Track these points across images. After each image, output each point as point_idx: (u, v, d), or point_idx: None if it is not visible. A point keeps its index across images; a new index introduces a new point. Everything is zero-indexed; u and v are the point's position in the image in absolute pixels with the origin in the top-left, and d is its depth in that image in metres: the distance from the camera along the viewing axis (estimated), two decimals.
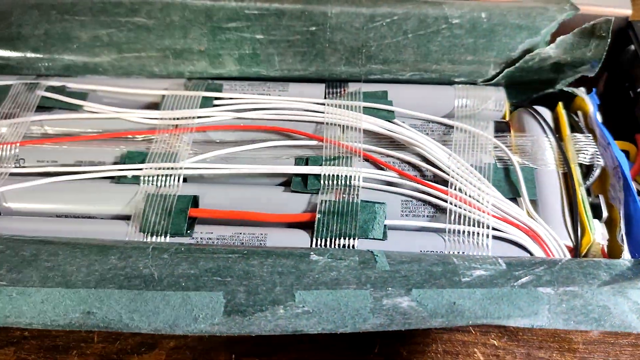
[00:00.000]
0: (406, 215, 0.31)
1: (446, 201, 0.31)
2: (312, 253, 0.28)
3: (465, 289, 0.26)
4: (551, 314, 0.25)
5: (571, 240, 0.30)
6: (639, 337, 0.32)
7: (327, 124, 0.34)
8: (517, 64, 0.35)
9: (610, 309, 0.25)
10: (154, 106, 0.36)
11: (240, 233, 0.31)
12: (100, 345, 0.32)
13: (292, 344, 0.32)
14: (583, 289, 0.26)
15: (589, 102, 0.35)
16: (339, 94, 0.36)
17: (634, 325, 0.25)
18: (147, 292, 0.26)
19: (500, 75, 0.36)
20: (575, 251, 0.30)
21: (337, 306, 0.26)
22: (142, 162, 0.33)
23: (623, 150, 0.35)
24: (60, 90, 0.37)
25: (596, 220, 0.31)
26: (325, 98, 0.36)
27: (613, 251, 0.30)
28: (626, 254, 0.29)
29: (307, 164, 0.33)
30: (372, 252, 0.28)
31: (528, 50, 0.35)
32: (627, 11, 0.38)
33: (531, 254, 0.30)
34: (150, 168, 0.33)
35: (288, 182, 0.33)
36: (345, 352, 0.32)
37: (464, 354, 0.32)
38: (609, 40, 0.34)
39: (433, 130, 0.35)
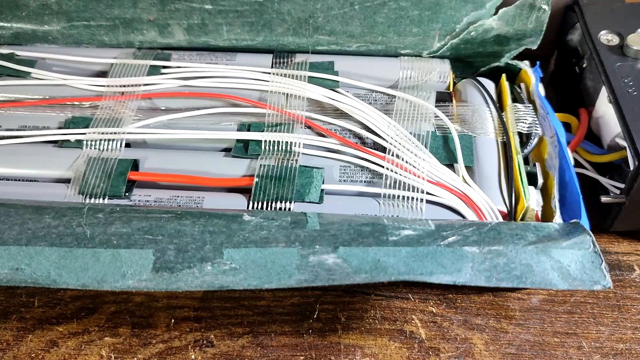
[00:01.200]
0: (344, 180, 0.32)
1: (383, 167, 0.31)
2: (245, 214, 0.28)
3: (391, 247, 0.26)
4: (474, 271, 0.25)
5: (506, 205, 0.31)
6: (575, 305, 0.33)
7: (271, 92, 0.35)
8: (460, 36, 0.35)
9: (532, 267, 0.26)
10: (103, 75, 0.37)
11: (178, 196, 0.31)
12: (39, 310, 0.33)
13: (232, 309, 0.32)
14: (508, 248, 0.26)
15: (531, 74, 0.35)
16: (285, 64, 0.36)
17: (554, 282, 0.25)
18: (77, 249, 0.27)
19: (445, 47, 0.36)
20: (509, 216, 0.31)
21: (264, 263, 0.26)
22: (87, 127, 0.33)
23: (565, 123, 0.36)
24: (9, 57, 0.37)
25: (532, 187, 0.31)
26: (271, 68, 0.36)
27: (546, 217, 0.31)
28: (558, 219, 0.30)
29: (249, 130, 0.33)
30: (305, 213, 0.28)
31: (473, 23, 0.35)
32: None
33: (465, 218, 0.30)
34: (94, 132, 0.33)
35: (231, 149, 0.33)
36: (285, 318, 0.32)
37: (402, 320, 0.32)
38: (548, 12, 0.34)
39: (376, 100, 0.35)
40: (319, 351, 0.31)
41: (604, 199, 0.33)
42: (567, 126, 0.36)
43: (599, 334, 0.32)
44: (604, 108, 0.35)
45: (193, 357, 0.31)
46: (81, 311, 0.33)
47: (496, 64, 0.37)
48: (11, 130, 0.34)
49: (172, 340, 0.31)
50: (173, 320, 0.32)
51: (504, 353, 0.31)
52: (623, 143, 0.33)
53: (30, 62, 0.37)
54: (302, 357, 0.31)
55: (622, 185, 0.32)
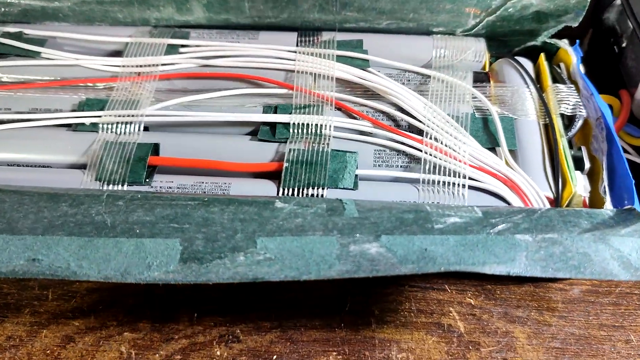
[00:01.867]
0: (379, 165, 0.30)
1: (421, 151, 0.29)
2: (277, 200, 0.26)
3: (438, 236, 0.24)
4: (528, 260, 0.24)
5: (552, 191, 0.29)
6: (620, 296, 0.31)
7: (298, 72, 0.32)
8: (497, 13, 0.33)
9: (590, 256, 0.24)
10: (118, 54, 0.34)
11: (202, 182, 0.29)
12: (54, 304, 0.31)
13: (259, 303, 0.31)
14: (562, 236, 0.24)
15: (572, 54, 0.33)
16: (311, 43, 0.34)
17: (615, 272, 0.24)
18: (98, 239, 0.25)
19: (480, 25, 0.34)
20: (555, 203, 0.29)
21: (302, 252, 0.24)
22: (102, 109, 0.31)
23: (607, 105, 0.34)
24: (18, 36, 0.35)
25: (578, 172, 0.29)
26: (297, 46, 0.34)
27: (595, 203, 0.29)
28: (608, 206, 0.28)
29: (275, 113, 0.31)
30: (340, 200, 0.26)
31: None
32: None
33: (510, 204, 0.28)
34: (110, 115, 0.31)
35: (256, 132, 0.31)
36: (315, 310, 0.30)
37: (439, 313, 0.31)
38: None
39: (409, 80, 0.33)
40: (352, 346, 0.29)
41: None
42: (609, 108, 0.34)
43: None
44: None
45: (218, 353, 0.29)
46: (98, 304, 0.31)
47: (533, 42, 0.35)
48: (22, 113, 0.31)
49: (195, 335, 0.30)
50: (196, 314, 0.30)
51: (548, 347, 0.29)
52: None
53: (40, 42, 0.35)
54: (334, 353, 0.29)
55: None
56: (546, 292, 0.31)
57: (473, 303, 0.31)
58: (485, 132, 0.30)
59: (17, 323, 0.30)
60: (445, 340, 0.30)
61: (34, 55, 0.34)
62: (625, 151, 0.34)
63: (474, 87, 0.32)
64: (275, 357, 0.29)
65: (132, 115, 0.31)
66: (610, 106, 0.35)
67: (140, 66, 0.33)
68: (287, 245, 0.24)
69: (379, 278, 0.31)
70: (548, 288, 0.31)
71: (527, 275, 0.23)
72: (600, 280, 0.32)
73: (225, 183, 0.29)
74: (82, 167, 0.30)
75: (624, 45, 0.36)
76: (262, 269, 0.24)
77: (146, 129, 0.31)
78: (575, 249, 0.24)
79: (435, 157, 0.29)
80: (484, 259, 0.24)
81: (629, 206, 0.27)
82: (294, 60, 0.33)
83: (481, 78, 0.33)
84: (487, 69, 0.34)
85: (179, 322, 0.30)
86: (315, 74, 0.32)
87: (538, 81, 0.33)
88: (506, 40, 0.35)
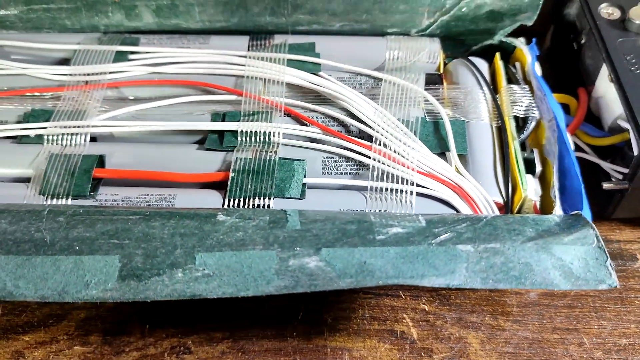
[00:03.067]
0: (328, 173, 0.29)
1: (369, 157, 0.29)
2: (219, 213, 0.26)
3: (379, 248, 0.24)
4: (469, 272, 0.23)
5: (502, 196, 0.28)
6: (575, 298, 0.31)
7: (247, 77, 0.32)
8: (451, 12, 0.33)
9: (532, 266, 0.24)
10: (66, 63, 0.34)
11: (148, 194, 0.28)
12: (4, 319, 0.30)
13: (211, 313, 0.30)
14: (505, 245, 0.24)
15: (527, 53, 0.33)
16: (263, 47, 0.34)
17: (556, 282, 0.23)
18: (36, 257, 0.24)
19: (435, 25, 0.34)
20: (506, 208, 0.28)
21: (240, 268, 0.24)
22: (47, 120, 0.31)
23: (563, 104, 0.33)
24: None
25: (529, 176, 0.29)
26: (248, 51, 0.33)
27: (546, 207, 0.29)
28: (558, 210, 0.28)
29: (224, 120, 0.31)
30: (284, 211, 0.26)
31: None
32: None
33: (458, 211, 0.28)
34: (56, 126, 0.30)
35: (204, 141, 0.31)
36: (268, 320, 0.30)
37: (392, 320, 0.30)
38: None
39: (361, 84, 0.33)
40: (304, 355, 0.29)
41: (605, 185, 0.31)
42: (565, 107, 0.34)
43: (600, 329, 0.30)
44: (605, 87, 0.32)
45: None
46: (49, 318, 0.30)
47: (489, 42, 0.35)
48: None
49: (147, 347, 0.29)
50: (148, 326, 0.30)
51: (500, 352, 0.29)
52: (626, 125, 0.30)
53: None
54: None
55: (625, 170, 0.30)
56: (501, 296, 0.31)
57: (427, 309, 0.31)
58: (435, 136, 0.30)
59: None
60: (397, 347, 0.29)
61: None
62: (583, 151, 0.33)
63: (426, 89, 0.32)
64: None
65: (79, 127, 0.30)
66: (567, 105, 0.34)
67: (88, 74, 0.32)
68: (226, 260, 0.24)
69: None
70: (503, 292, 0.31)
71: (467, 287, 0.23)
72: None
73: (170, 195, 0.28)
74: (27, 180, 0.29)
75: (582, 42, 0.35)
76: (200, 285, 0.24)
77: (94, 139, 0.31)
78: (517, 259, 0.24)
79: (384, 164, 0.29)
80: (422, 271, 0.23)
81: (575, 212, 0.26)
82: (244, 65, 0.32)
83: (434, 80, 0.32)
84: (441, 70, 0.34)
85: (130, 335, 0.30)
86: (265, 79, 0.32)
87: (493, 82, 0.33)
88: (462, 40, 0.35)
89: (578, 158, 0.30)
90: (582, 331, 0.30)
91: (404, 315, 0.30)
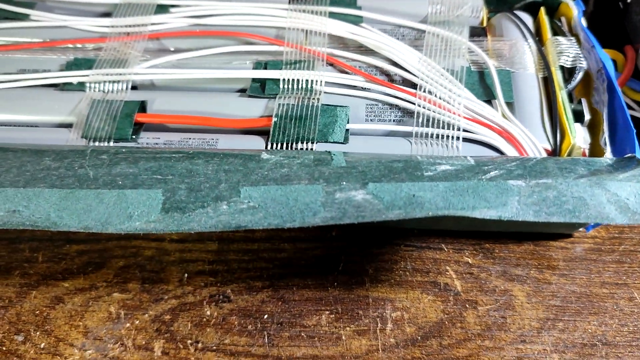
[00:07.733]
0: (371, 119, 0.29)
1: (414, 104, 0.28)
2: (263, 152, 0.26)
3: (427, 182, 0.23)
4: (521, 205, 0.23)
5: (550, 143, 0.28)
6: (624, 254, 0.30)
7: (289, 28, 0.32)
8: None
9: (586, 200, 0.23)
10: (107, 16, 0.34)
11: (190, 138, 0.28)
12: (44, 265, 0.30)
13: (250, 262, 0.30)
14: (557, 181, 0.23)
15: (573, 7, 0.32)
16: (304, 0, 0.34)
17: (611, 216, 0.23)
18: (79, 190, 0.24)
19: None
20: (553, 154, 0.28)
21: (286, 201, 0.23)
22: (89, 68, 0.31)
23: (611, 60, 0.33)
24: None
25: (577, 124, 0.28)
26: (289, 4, 0.33)
27: (595, 155, 0.28)
28: (608, 156, 0.27)
29: (266, 69, 0.30)
30: (329, 152, 0.26)
31: None
32: None
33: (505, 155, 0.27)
34: (97, 74, 0.30)
35: (246, 90, 0.30)
36: (308, 270, 0.30)
37: (435, 272, 0.30)
38: None
39: (404, 36, 0.32)
40: (346, 305, 0.29)
41: None
42: (613, 63, 0.33)
43: None
44: None
45: (209, 313, 0.28)
46: (88, 266, 0.30)
47: None
48: (9, 74, 0.31)
49: (185, 295, 0.29)
50: (186, 275, 0.30)
51: (547, 305, 0.28)
52: None
53: (30, 4, 0.34)
54: (327, 312, 0.28)
55: None
56: (547, 250, 0.30)
57: (470, 262, 0.30)
58: (481, 85, 0.29)
59: (6, 285, 0.30)
60: (441, 299, 0.29)
61: (23, 17, 0.34)
62: (629, 107, 0.32)
63: (470, 41, 0.31)
64: (266, 316, 0.28)
65: (120, 74, 0.30)
66: (615, 61, 0.34)
67: (130, 26, 0.33)
68: (271, 193, 0.24)
69: (374, 237, 0.31)
70: (549, 246, 0.30)
71: (519, 219, 0.22)
72: (603, 239, 0.31)
73: (212, 139, 0.28)
74: (69, 126, 0.29)
75: (629, 0, 0.35)
76: (245, 217, 0.23)
77: (135, 88, 0.31)
78: (570, 193, 0.23)
79: (429, 110, 0.28)
80: (474, 203, 0.23)
81: (629, 154, 0.25)
82: (286, 17, 0.32)
83: (478, 32, 0.32)
84: (485, 24, 0.33)
85: (169, 283, 0.29)
86: (306, 30, 0.32)
87: (538, 35, 0.32)
88: None
89: None
90: (632, 286, 0.29)
91: (447, 268, 0.30)
